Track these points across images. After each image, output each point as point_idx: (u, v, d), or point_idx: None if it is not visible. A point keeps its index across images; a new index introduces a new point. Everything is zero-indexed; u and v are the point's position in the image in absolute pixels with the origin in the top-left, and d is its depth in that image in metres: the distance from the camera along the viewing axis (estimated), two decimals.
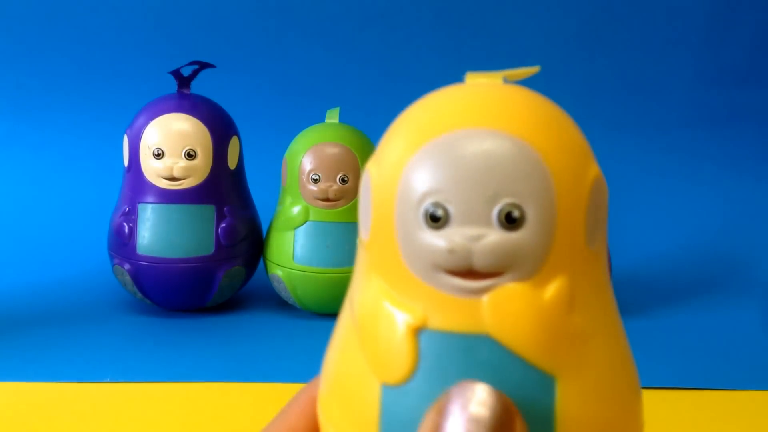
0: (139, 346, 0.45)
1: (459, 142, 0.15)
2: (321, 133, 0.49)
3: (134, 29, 0.74)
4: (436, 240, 0.15)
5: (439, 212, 0.15)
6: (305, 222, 0.48)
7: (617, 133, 0.72)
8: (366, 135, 0.50)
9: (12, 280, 0.56)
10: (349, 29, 0.74)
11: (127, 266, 0.48)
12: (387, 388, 0.16)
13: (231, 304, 0.52)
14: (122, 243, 0.48)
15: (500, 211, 0.15)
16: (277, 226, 0.50)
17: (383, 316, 0.16)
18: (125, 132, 0.49)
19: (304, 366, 0.41)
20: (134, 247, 0.47)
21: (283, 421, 0.19)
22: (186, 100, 0.49)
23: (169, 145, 0.47)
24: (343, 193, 0.48)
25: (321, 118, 0.51)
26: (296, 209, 0.48)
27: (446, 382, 0.15)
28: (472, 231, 0.15)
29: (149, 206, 0.47)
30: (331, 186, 0.47)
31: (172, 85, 0.50)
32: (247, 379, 0.41)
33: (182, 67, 0.49)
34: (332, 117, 0.51)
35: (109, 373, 0.41)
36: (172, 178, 0.47)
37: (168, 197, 0.47)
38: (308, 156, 0.48)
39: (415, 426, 0.15)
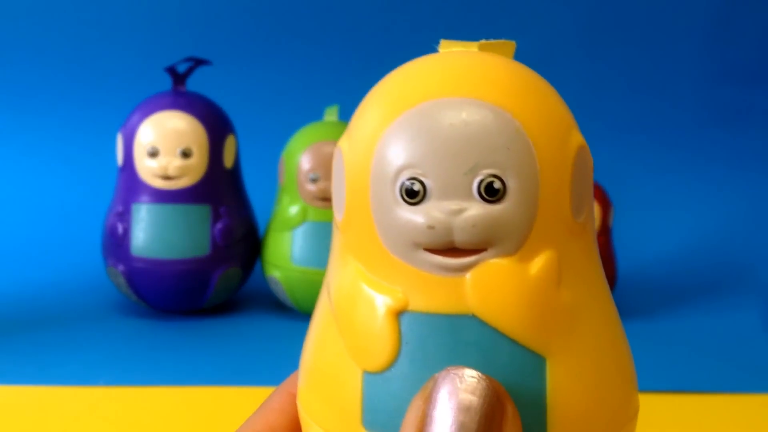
0: (133, 349, 0.45)
1: (435, 111, 0.15)
2: (319, 131, 0.49)
3: (128, 25, 0.73)
4: (415, 216, 0.14)
5: (417, 186, 0.14)
6: (303, 222, 0.48)
7: (622, 132, 0.72)
8: None
9: (4, 282, 0.55)
10: (347, 25, 0.74)
11: (121, 267, 0.47)
12: (369, 376, 0.15)
13: (227, 306, 0.51)
14: (116, 244, 0.47)
15: (481, 183, 0.14)
16: (274, 227, 0.49)
17: (362, 300, 0.15)
18: (119, 130, 0.48)
19: None
20: (128, 248, 0.47)
21: (261, 417, 0.19)
22: (181, 98, 0.48)
23: (164, 144, 0.47)
24: None
25: (319, 116, 0.51)
26: (294, 209, 0.48)
27: (431, 367, 0.14)
28: (452, 205, 0.14)
29: (144, 206, 0.47)
30: (329, 185, 0.47)
31: (167, 83, 0.50)
32: (244, 383, 0.40)
33: (177, 63, 0.49)
34: (331, 115, 0.50)
35: (103, 376, 0.40)
36: (167, 177, 0.46)
37: (163, 197, 0.47)
38: (306, 155, 0.47)
39: (400, 414, 0.14)
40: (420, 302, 0.15)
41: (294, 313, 0.50)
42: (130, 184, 0.47)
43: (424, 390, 0.14)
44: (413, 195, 0.14)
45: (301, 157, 0.48)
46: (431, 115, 0.15)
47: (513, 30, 0.73)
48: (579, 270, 0.15)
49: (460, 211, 0.14)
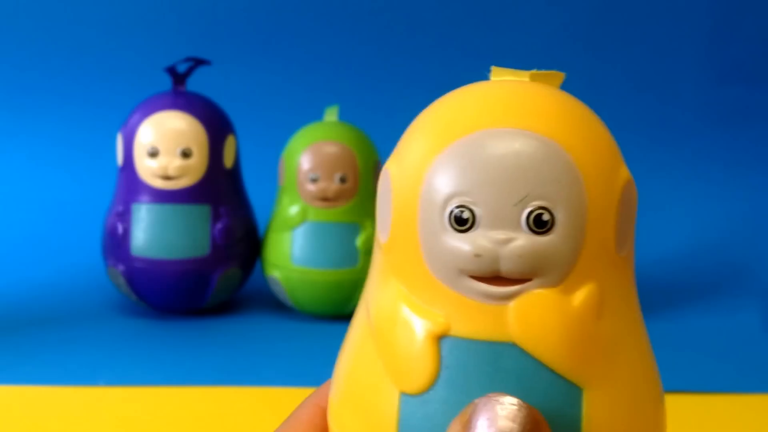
0: (133, 349, 0.45)
1: (487, 141, 0.15)
2: (319, 131, 0.48)
3: (128, 25, 0.73)
4: (462, 244, 0.15)
5: (466, 214, 0.15)
6: (303, 222, 0.48)
7: (622, 132, 0.71)
8: (365, 133, 0.49)
9: (4, 281, 0.55)
10: (347, 25, 0.74)
11: (121, 267, 0.47)
12: (406, 397, 0.15)
13: (227, 306, 0.51)
14: (116, 244, 0.47)
15: (530, 215, 0.14)
16: (274, 227, 0.49)
17: (403, 322, 0.15)
18: (119, 130, 0.48)
19: (302, 369, 0.41)
20: (128, 248, 0.47)
21: (290, 429, 0.19)
22: (181, 98, 0.48)
23: (164, 144, 0.46)
24: (342, 192, 0.47)
25: (319, 116, 0.51)
26: (294, 209, 0.48)
27: (469, 392, 0.15)
28: (500, 235, 0.15)
29: (143, 206, 0.47)
30: (329, 185, 0.47)
31: (167, 83, 0.49)
32: (244, 382, 0.40)
33: (177, 63, 0.49)
34: (331, 115, 0.50)
35: (103, 376, 0.40)
36: (167, 177, 0.46)
37: (163, 197, 0.47)
38: (306, 155, 0.47)
39: None
40: (462, 328, 0.15)
41: (294, 313, 0.50)
42: (130, 184, 0.47)
43: (463, 415, 0.14)
44: (462, 223, 0.15)
45: (301, 157, 0.47)
46: (483, 145, 0.15)
47: (514, 30, 0.73)
48: (619, 303, 0.16)
49: (507, 241, 0.14)
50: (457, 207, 0.15)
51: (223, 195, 0.48)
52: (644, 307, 0.53)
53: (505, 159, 0.15)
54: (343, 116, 0.50)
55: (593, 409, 0.15)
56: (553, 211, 0.14)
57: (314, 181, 0.47)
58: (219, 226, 0.48)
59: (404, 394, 0.15)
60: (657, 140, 0.73)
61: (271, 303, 0.51)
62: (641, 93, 0.74)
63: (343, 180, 0.47)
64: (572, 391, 0.15)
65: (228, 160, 0.49)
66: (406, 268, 0.16)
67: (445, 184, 0.15)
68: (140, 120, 0.47)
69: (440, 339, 0.15)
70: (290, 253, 0.48)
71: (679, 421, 0.37)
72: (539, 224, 0.14)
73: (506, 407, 0.14)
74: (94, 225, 0.53)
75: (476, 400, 0.14)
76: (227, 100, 0.51)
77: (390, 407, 0.15)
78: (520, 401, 0.14)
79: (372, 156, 0.49)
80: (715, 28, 0.73)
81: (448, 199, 0.15)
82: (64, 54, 0.73)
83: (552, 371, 0.15)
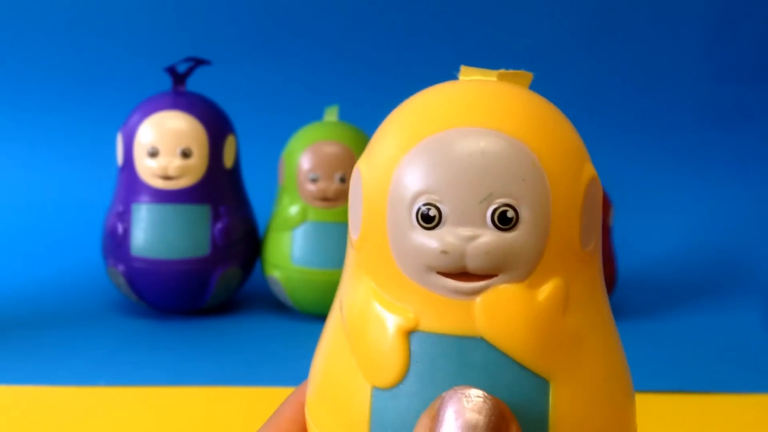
0: (133, 349, 0.45)
1: (454, 140, 0.15)
2: (319, 131, 0.48)
3: (128, 25, 0.73)
4: (429, 240, 0.15)
5: (432, 212, 0.15)
6: (303, 222, 0.48)
7: (622, 132, 0.72)
8: (365, 133, 0.49)
9: (4, 281, 0.55)
10: (347, 25, 0.74)
11: (121, 267, 0.47)
12: (378, 391, 0.16)
13: (227, 306, 0.51)
14: (116, 244, 0.47)
15: (495, 212, 0.15)
16: (274, 227, 0.49)
17: (374, 318, 0.16)
18: (119, 130, 0.48)
19: (302, 370, 0.40)
20: (128, 248, 0.47)
21: (272, 427, 0.19)
22: (181, 98, 0.48)
23: (164, 144, 0.46)
24: (342, 192, 0.47)
25: (319, 116, 0.51)
26: (294, 209, 0.48)
27: (438, 385, 0.15)
28: (466, 231, 0.15)
29: (143, 206, 0.47)
30: (329, 185, 0.47)
31: (167, 83, 0.49)
32: (244, 383, 0.40)
33: (177, 63, 0.49)
34: (331, 115, 0.50)
35: (103, 376, 0.40)
36: (167, 177, 0.46)
37: (163, 197, 0.47)
38: (306, 155, 0.47)
39: (407, 430, 0.15)
40: (430, 323, 0.15)
41: (294, 313, 0.50)
42: (130, 184, 0.47)
43: (431, 408, 0.14)
44: (429, 220, 0.15)
45: (301, 157, 0.47)
46: (450, 144, 0.15)
47: (513, 29, 0.73)
48: (585, 297, 0.16)
49: (473, 238, 0.15)
50: (424, 204, 0.15)
51: (223, 195, 0.48)
52: (644, 307, 0.53)
53: (471, 158, 0.15)
54: (343, 116, 0.50)
55: (560, 402, 0.15)
56: (518, 208, 0.15)
57: (314, 181, 0.47)
58: (219, 226, 0.47)
59: (376, 389, 0.16)
60: (656, 140, 0.73)
61: (271, 303, 0.51)
62: (640, 92, 0.74)
63: (343, 180, 0.47)
64: (539, 384, 0.15)
65: (228, 160, 0.49)
66: (376, 265, 0.16)
67: (412, 181, 0.15)
68: (140, 120, 0.47)
69: (410, 334, 0.15)
70: (290, 253, 0.48)
71: (680, 421, 0.37)
72: (504, 221, 0.15)
73: (472, 399, 0.14)
74: (94, 225, 0.53)
75: (443, 394, 0.14)
76: (227, 100, 0.51)
77: (362, 401, 0.16)
78: (486, 393, 0.14)
79: None
80: (714, 28, 0.73)
81: (415, 197, 0.15)
82: (64, 54, 0.73)
83: (519, 365, 0.15)
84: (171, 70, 0.49)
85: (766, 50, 0.74)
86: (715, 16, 0.73)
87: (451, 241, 0.15)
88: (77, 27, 0.73)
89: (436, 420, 0.14)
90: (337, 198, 0.47)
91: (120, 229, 0.47)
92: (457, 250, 0.15)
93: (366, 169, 0.16)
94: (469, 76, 0.17)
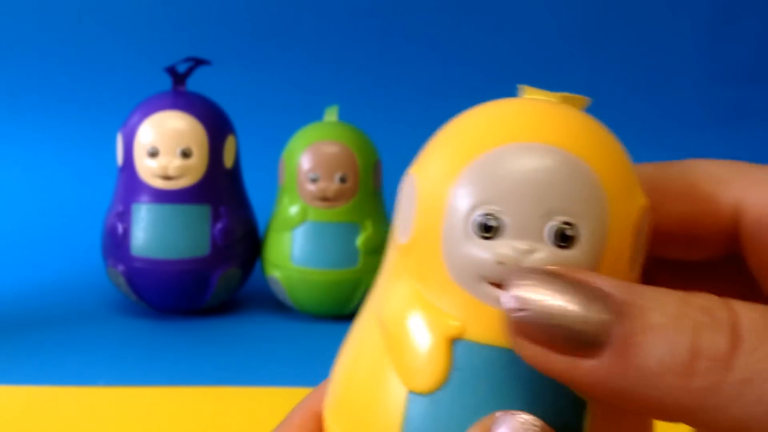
0: (133, 349, 0.45)
1: (517, 154, 0.15)
2: (319, 131, 0.48)
3: (128, 25, 0.73)
4: (485, 251, 0.15)
5: (492, 222, 0.15)
6: (303, 222, 0.48)
7: (623, 132, 0.71)
8: (365, 133, 0.49)
9: (4, 282, 0.55)
10: (347, 26, 0.74)
11: (121, 267, 0.47)
12: (414, 396, 0.15)
13: (227, 306, 0.51)
14: (116, 244, 0.47)
15: (554, 228, 0.15)
16: (274, 227, 0.49)
17: (417, 321, 0.16)
18: (119, 130, 0.48)
19: (302, 370, 0.41)
20: (128, 248, 0.47)
21: None
22: (181, 98, 0.48)
23: (164, 144, 0.46)
24: (342, 192, 0.47)
25: (319, 116, 0.50)
26: (294, 209, 0.48)
27: (479, 396, 0.15)
28: (523, 245, 0.15)
29: (143, 206, 0.47)
30: (329, 185, 0.47)
31: (167, 83, 0.49)
32: (244, 383, 0.40)
33: (177, 63, 0.49)
34: (331, 115, 0.50)
35: (103, 376, 0.40)
36: (167, 177, 0.46)
37: (163, 197, 0.47)
38: (306, 155, 0.47)
39: None
40: (476, 332, 0.15)
41: (294, 313, 0.50)
42: (130, 184, 0.47)
43: (483, 425, 0.14)
44: (487, 230, 0.15)
45: (301, 157, 0.47)
46: (514, 157, 0.15)
47: (513, 29, 0.73)
48: None
49: (530, 252, 0.15)
50: (483, 215, 0.15)
51: (223, 195, 0.48)
52: None
53: (535, 173, 0.15)
54: (343, 116, 0.50)
55: (596, 423, 0.15)
56: (578, 227, 0.15)
57: (314, 181, 0.47)
58: (219, 226, 0.47)
59: (412, 394, 0.15)
60: (656, 140, 0.73)
61: (271, 303, 0.51)
62: (639, 93, 0.74)
63: (343, 180, 0.47)
64: (577, 404, 0.15)
65: (228, 160, 0.49)
66: (425, 270, 0.16)
67: (473, 193, 0.15)
68: (140, 120, 0.47)
69: (454, 341, 0.15)
70: (290, 253, 0.48)
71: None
72: (562, 238, 0.15)
73: (527, 424, 0.14)
74: (94, 225, 0.53)
75: (496, 413, 0.14)
76: (227, 100, 0.51)
77: (396, 406, 0.15)
78: (536, 419, 0.14)
79: (372, 156, 0.49)
80: (714, 28, 0.73)
81: (474, 207, 0.15)
82: (64, 54, 0.73)
83: (559, 383, 0.15)
84: (171, 70, 0.49)
85: (766, 50, 0.74)
86: (715, 16, 0.73)
87: (508, 253, 0.15)
88: (77, 27, 0.73)
89: None
90: (337, 198, 0.47)
91: (120, 229, 0.47)
92: (513, 262, 0.15)
93: (422, 177, 0.16)
94: (531, 95, 0.17)
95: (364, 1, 0.74)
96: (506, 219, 0.15)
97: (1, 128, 0.73)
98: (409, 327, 0.16)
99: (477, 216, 0.15)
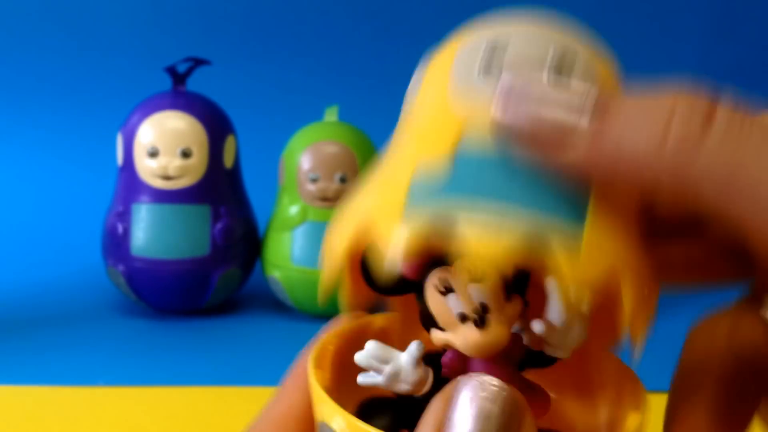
0: (133, 349, 0.45)
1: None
2: (319, 131, 0.48)
3: (128, 25, 0.73)
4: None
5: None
6: (303, 222, 0.48)
7: None
8: (365, 133, 0.49)
9: (4, 282, 0.55)
10: (347, 26, 0.74)
11: (121, 267, 0.47)
12: (421, 165, 0.16)
13: (227, 306, 0.51)
14: (116, 244, 0.47)
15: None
16: (274, 227, 0.49)
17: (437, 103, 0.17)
18: (119, 130, 0.48)
19: None
20: (128, 248, 0.47)
21: (279, 403, 0.19)
22: (181, 98, 0.48)
23: (164, 144, 0.46)
24: (342, 192, 0.47)
25: (319, 116, 0.50)
26: (294, 209, 0.48)
27: (481, 179, 0.15)
28: None
29: (143, 206, 0.47)
30: (329, 185, 0.47)
31: (167, 83, 0.49)
32: (244, 383, 0.40)
33: (177, 63, 0.49)
34: (331, 115, 0.50)
35: (102, 376, 0.40)
36: (167, 177, 0.46)
37: (163, 197, 0.47)
38: (306, 155, 0.47)
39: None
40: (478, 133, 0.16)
41: (294, 313, 0.50)
42: (130, 184, 0.47)
43: (445, 392, 0.14)
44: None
45: (301, 157, 0.47)
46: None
47: None
48: None
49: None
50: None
51: (223, 195, 0.48)
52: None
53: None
54: (343, 116, 0.50)
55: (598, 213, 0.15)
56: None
57: (314, 181, 0.47)
58: (219, 226, 0.47)
59: (421, 161, 0.16)
60: None
61: (271, 303, 0.51)
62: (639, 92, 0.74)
63: (343, 180, 0.47)
64: (578, 202, 0.15)
65: (228, 160, 0.49)
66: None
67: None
68: (140, 120, 0.47)
69: (459, 143, 0.16)
70: (290, 253, 0.48)
71: None
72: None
73: (488, 388, 0.14)
74: (94, 225, 0.53)
75: (459, 378, 0.14)
76: (227, 100, 0.51)
77: (404, 173, 0.16)
78: (502, 383, 0.14)
79: (372, 156, 0.49)
80: (714, 28, 0.73)
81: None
82: (64, 54, 0.73)
83: (554, 178, 0.15)
84: (171, 70, 0.49)
85: (766, 50, 0.74)
86: (715, 17, 0.73)
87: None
88: (77, 27, 0.73)
89: (450, 404, 0.14)
90: (337, 198, 0.47)
91: (120, 229, 0.47)
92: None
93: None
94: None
95: (364, 1, 0.74)
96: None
97: (1, 128, 0.73)
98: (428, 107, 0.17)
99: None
